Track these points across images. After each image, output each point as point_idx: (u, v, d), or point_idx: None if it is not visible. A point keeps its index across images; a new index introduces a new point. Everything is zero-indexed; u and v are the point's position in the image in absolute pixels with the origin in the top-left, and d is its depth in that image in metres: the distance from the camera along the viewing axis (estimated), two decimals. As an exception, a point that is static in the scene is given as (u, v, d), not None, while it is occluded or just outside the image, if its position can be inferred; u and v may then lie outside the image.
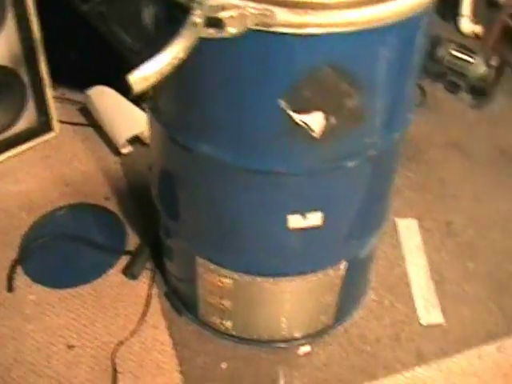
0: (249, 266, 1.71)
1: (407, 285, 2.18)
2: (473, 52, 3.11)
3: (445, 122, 2.99)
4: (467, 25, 3.61)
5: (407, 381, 1.92)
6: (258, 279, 1.72)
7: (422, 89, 3.09)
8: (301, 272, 1.72)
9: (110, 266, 2.17)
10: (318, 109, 1.33)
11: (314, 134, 1.36)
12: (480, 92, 3.10)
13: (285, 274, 1.71)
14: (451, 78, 3.14)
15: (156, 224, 1.98)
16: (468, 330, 2.07)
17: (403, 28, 1.31)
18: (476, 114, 3.04)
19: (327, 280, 1.78)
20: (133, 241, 2.25)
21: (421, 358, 1.98)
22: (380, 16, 1.24)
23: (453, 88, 3.15)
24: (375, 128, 1.48)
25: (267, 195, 1.51)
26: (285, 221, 1.54)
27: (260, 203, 1.53)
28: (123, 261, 2.18)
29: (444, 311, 2.11)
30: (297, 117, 1.33)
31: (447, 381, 1.93)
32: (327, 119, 1.35)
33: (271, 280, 1.72)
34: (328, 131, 1.36)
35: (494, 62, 3.06)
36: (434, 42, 3.17)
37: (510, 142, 2.89)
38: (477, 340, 2.04)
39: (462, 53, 3.10)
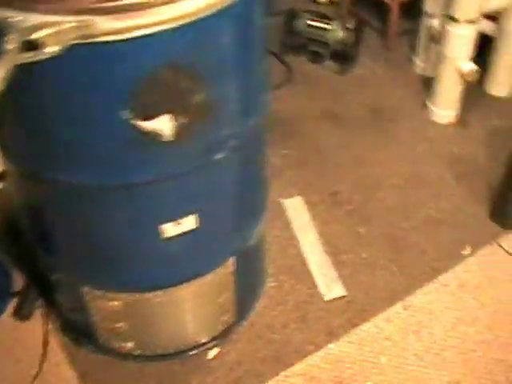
0: (134, 284, 1.65)
1: (304, 264, 2.16)
2: (329, 19, 3.12)
3: (314, 94, 2.98)
4: (320, -7, 3.63)
5: (321, 360, 1.90)
6: (147, 294, 1.67)
7: (286, 64, 3.09)
8: (188, 278, 1.67)
9: (0, 311, 2.06)
10: (164, 112, 1.28)
11: (166, 138, 1.31)
12: (343, 57, 3.12)
13: (172, 284, 1.66)
14: (313, 49, 3.15)
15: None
16: (372, 296, 2.07)
17: (230, 12, 1.26)
18: (343, 80, 3.06)
19: (218, 279, 1.74)
20: (19, 281, 2.14)
21: (331, 335, 1.97)
22: (203, 6, 1.20)
23: (316, 58, 3.16)
24: (230, 118, 1.44)
25: (135, 209, 1.46)
26: (159, 231, 1.49)
27: (129, 219, 1.48)
28: (13, 303, 2.07)
29: (345, 282, 2.10)
30: (144, 125, 1.28)
31: (360, 351, 1.93)
32: (176, 120, 1.30)
33: (160, 292, 1.67)
34: (181, 132, 1.32)
35: (350, 24, 3.08)
36: (290, 16, 3.17)
37: (379, 101, 2.92)
38: (382, 304, 2.05)
39: (319, 21, 3.11)
